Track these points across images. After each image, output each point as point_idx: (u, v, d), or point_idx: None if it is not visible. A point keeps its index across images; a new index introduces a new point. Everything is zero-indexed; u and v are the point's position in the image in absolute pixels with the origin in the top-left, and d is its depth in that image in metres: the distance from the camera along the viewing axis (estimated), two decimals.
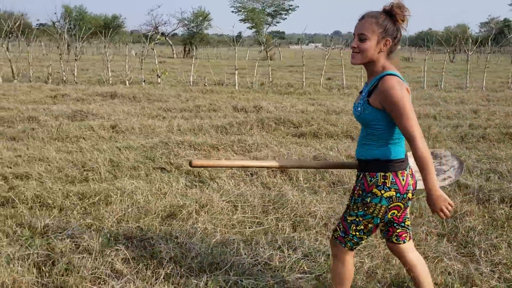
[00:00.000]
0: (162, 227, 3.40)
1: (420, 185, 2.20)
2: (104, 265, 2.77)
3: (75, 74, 14.34)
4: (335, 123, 7.49)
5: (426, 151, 1.93)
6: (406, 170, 2.09)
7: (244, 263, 2.87)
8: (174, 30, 35.06)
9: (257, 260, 2.90)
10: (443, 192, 1.97)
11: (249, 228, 3.40)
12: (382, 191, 2.05)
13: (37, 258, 2.85)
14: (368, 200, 2.06)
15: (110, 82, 14.48)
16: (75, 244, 3.07)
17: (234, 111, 9.38)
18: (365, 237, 2.18)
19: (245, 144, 6.10)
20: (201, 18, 37.27)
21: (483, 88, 13.98)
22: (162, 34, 33.78)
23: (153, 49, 15.19)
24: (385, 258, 3.00)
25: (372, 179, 2.06)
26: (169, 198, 3.96)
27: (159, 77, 14.58)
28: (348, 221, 2.15)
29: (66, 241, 3.11)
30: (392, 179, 2.05)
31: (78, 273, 2.63)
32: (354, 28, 2.06)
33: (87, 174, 4.94)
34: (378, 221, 2.11)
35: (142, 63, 14.60)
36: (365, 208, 2.08)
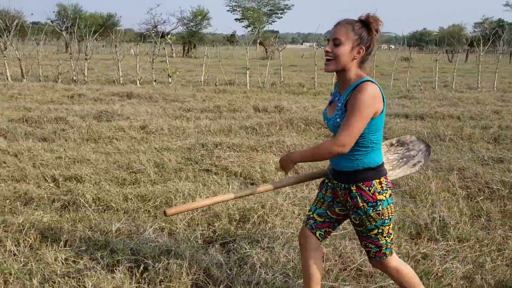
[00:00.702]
0: (239, 231, 3.38)
1: (393, 176, 2.38)
2: (198, 270, 2.75)
3: (85, 74, 14.23)
4: None
5: (328, 153, 1.99)
6: (385, 176, 2.14)
7: (333, 269, 2.86)
8: (173, 29, 34.87)
9: (348, 265, 2.90)
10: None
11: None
12: (384, 194, 2.06)
13: (127, 263, 2.82)
14: (380, 208, 2.06)
15: (121, 82, 14.39)
16: (158, 249, 3.04)
17: (256, 112, 9.37)
18: (393, 236, 2.27)
19: (283, 145, 6.09)
20: (200, 17, 37.11)
21: (495, 88, 14.07)
22: (166, 33, 33.62)
23: (164, 49, 15.11)
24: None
25: (371, 188, 2.06)
26: (233, 201, 3.94)
27: (170, 76, 14.52)
28: (373, 235, 2.12)
29: (149, 245, 3.09)
30: (385, 182, 2.09)
31: (179, 279, 2.61)
32: (329, 34, 2.07)
33: (136, 176, 4.91)
34: (393, 219, 2.15)
35: (153, 63, 14.52)
36: (382, 217, 2.07)
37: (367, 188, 2.05)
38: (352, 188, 2.08)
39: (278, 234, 3.25)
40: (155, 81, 14.46)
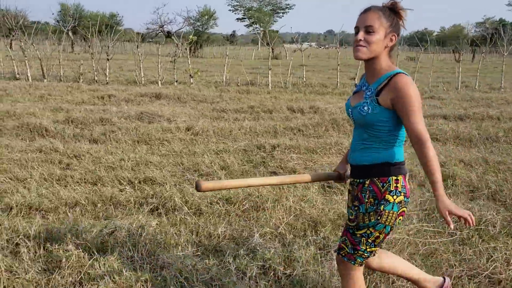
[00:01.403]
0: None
1: None
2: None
3: (107, 74, 14.16)
4: None
5: (433, 154, 1.82)
6: (406, 175, 2.02)
7: (463, 277, 2.85)
8: (180, 29, 34.75)
9: (477, 272, 2.88)
10: (450, 200, 1.84)
11: (431, 238, 3.38)
12: (395, 197, 1.94)
13: (257, 269, 2.80)
14: (382, 208, 1.94)
15: (143, 82, 14.34)
16: (279, 255, 3.02)
17: (292, 112, 9.35)
18: (376, 249, 2.04)
19: (341, 147, 6.08)
20: (206, 16, 37.04)
21: None
22: (169, 33, 33.56)
23: (186, 49, 15.07)
24: None
25: (385, 184, 1.95)
26: (330, 206, 3.93)
27: (192, 77, 14.48)
28: (358, 235, 2.01)
29: (264, 250, 3.07)
30: (403, 183, 1.97)
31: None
32: (358, 21, 1.96)
33: (206, 178, 4.89)
34: (389, 230, 1.99)
35: (175, 63, 14.48)
36: (378, 217, 1.94)
37: (381, 184, 1.95)
38: (366, 182, 2.00)
39: (395, 241, 3.24)
40: (176, 81, 14.42)
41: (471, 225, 1.82)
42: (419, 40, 70.51)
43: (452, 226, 1.83)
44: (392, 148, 1.97)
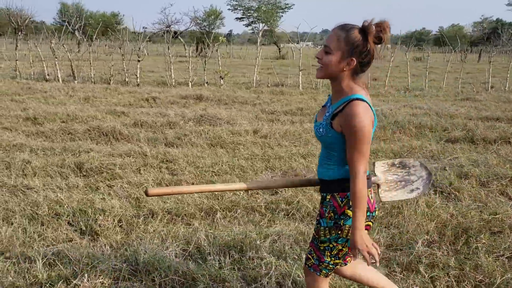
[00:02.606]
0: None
1: (388, 197, 2.29)
2: None
3: (138, 75, 14.14)
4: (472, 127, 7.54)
5: (363, 190, 1.86)
6: (371, 188, 2.05)
7: None
8: (187, 29, 34.78)
9: None
10: (367, 234, 1.93)
11: None
12: None
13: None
14: (341, 223, 1.98)
15: (173, 83, 14.33)
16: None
17: None
18: (341, 261, 2.09)
19: (425, 151, 6.15)
20: (213, 16, 37.01)
21: None
22: (175, 32, 33.48)
23: (217, 51, 15.08)
24: None
25: (344, 199, 1.98)
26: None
27: (222, 78, 14.49)
28: (321, 248, 2.05)
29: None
30: None
31: None
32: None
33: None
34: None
35: (205, 64, 14.49)
36: (339, 232, 1.99)
37: (340, 199, 1.99)
38: (327, 197, 2.03)
39: None
40: (206, 83, 14.43)
41: (376, 261, 1.92)
42: (417, 40, 70.66)
43: (355, 259, 1.98)
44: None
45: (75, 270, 2.85)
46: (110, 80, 14.11)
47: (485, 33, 59.88)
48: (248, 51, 39.89)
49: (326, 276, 2.10)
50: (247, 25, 71.50)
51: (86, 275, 2.75)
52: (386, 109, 9.51)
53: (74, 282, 2.72)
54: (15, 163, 5.20)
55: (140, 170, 5.09)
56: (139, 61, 14.24)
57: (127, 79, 14.28)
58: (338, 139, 1.93)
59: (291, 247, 3.21)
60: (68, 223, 3.69)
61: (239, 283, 2.75)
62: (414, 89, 14.24)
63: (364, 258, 1.93)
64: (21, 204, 3.97)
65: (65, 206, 3.87)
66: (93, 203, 3.95)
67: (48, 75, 14.30)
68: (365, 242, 1.88)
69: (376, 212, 2.07)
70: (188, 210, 3.95)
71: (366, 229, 1.98)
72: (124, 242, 3.35)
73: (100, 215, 3.72)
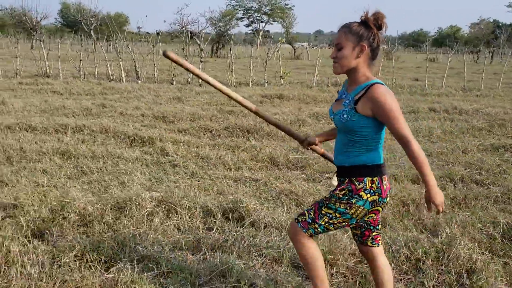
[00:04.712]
0: None
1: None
2: None
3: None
4: None
5: (421, 152, 2.00)
6: (387, 175, 2.20)
7: None
8: (203, 29, 34.83)
9: None
10: (440, 192, 2.04)
11: None
12: (368, 195, 2.12)
13: None
14: (354, 201, 2.12)
15: (234, 84, 14.52)
16: None
17: (435, 113, 9.69)
18: (332, 230, 2.24)
19: None
20: (229, 17, 37.19)
21: None
22: (192, 33, 33.51)
23: (278, 51, 15.30)
24: None
25: (361, 183, 2.12)
26: None
27: (282, 78, 14.74)
28: (323, 212, 2.19)
29: None
30: (378, 184, 2.13)
31: None
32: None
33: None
34: (354, 222, 2.19)
35: (265, 65, 14.71)
36: (348, 207, 2.13)
37: (357, 183, 2.13)
38: (345, 181, 2.18)
39: None
40: (266, 82, 14.65)
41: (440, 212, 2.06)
42: (415, 40, 71.04)
43: (429, 212, 2.13)
44: (370, 152, 2.14)
45: None
46: (172, 80, 14.25)
47: (483, 34, 61.28)
48: (260, 52, 40.04)
49: (310, 236, 2.22)
50: (247, 25, 71.86)
51: None
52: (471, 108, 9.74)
53: None
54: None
55: None
56: (201, 61, 14.40)
57: (189, 80, 14.43)
58: (363, 122, 2.09)
59: None
60: None
61: None
62: (471, 90, 14.58)
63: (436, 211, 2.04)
64: None
65: None
66: None
67: (111, 75, 14.38)
68: (440, 198, 2.00)
69: (387, 199, 2.19)
70: None
71: (374, 213, 2.16)
72: None
73: None
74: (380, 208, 2.16)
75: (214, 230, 3.51)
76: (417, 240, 3.22)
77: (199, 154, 5.81)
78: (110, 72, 14.43)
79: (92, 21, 34.54)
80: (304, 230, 2.20)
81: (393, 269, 2.93)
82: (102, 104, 9.18)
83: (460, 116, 9.18)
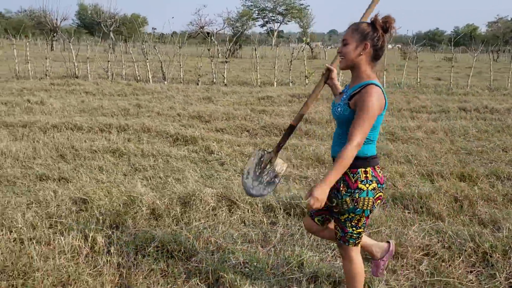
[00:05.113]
0: None
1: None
2: None
3: (225, 76, 14.48)
4: None
5: (350, 155, 2.08)
6: (379, 165, 2.30)
7: None
8: (220, 30, 35.21)
9: None
10: (327, 193, 2.10)
11: None
12: (367, 185, 2.20)
13: None
14: (357, 196, 2.20)
15: (258, 83, 14.66)
16: None
17: (461, 111, 9.69)
18: (362, 230, 2.31)
19: None
20: (246, 17, 37.36)
21: None
22: (208, 33, 33.75)
23: (303, 51, 15.40)
24: None
25: (355, 175, 2.20)
26: None
27: (307, 78, 14.83)
28: (342, 220, 2.29)
29: None
30: (372, 173, 2.22)
31: None
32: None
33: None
34: (369, 213, 2.27)
35: (290, 65, 14.83)
36: (355, 203, 2.21)
37: (351, 174, 2.21)
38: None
39: None
40: (291, 82, 14.76)
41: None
42: (431, 40, 70.51)
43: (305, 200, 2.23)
44: (363, 145, 2.20)
45: None
46: (198, 80, 14.44)
47: (502, 33, 60.69)
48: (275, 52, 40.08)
49: (355, 245, 2.33)
50: (262, 26, 72.09)
51: None
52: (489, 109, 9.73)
53: None
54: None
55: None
56: (226, 62, 14.56)
57: (214, 80, 14.61)
58: (353, 117, 2.17)
59: None
60: None
61: None
62: (497, 89, 14.52)
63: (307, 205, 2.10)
64: None
65: None
66: None
67: (138, 76, 14.62)
68: (321, 196, 2.07)
69: (384, 184, 2.32)
70: None
71: (379, 199, 2.26)
72: None
73: None
74: (382, 194, 2.27)
75: (278, 224, 3.65)
76: (481, 234, 3.32)
77: (243, 152, 5.96)
78: (137, 73, 14.67)
79: (111, 22, 35.00)
80: (346, 244, 2.32)
81: (462, 261, 3.04)
82: (138, 104, 9.38)
83: (492, 115, 9.20)
